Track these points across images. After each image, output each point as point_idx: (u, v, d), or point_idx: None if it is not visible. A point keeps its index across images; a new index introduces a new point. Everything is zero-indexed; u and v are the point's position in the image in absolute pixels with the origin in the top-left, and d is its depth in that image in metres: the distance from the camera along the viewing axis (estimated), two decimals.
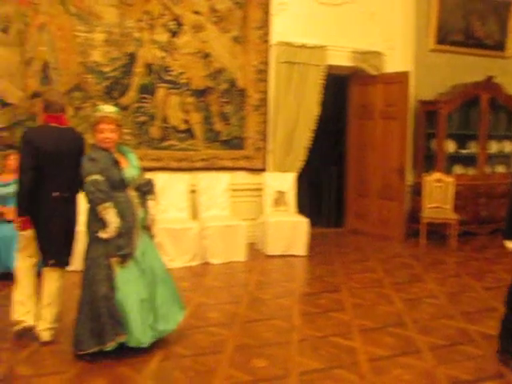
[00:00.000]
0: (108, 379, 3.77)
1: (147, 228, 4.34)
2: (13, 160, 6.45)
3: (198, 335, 4.58)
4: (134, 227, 4.15)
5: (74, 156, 4.38)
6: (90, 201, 4.04)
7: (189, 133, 7.65)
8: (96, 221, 4.05)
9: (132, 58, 7.35)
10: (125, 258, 4.09)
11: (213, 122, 7.77)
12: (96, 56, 7.20)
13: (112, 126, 4.17)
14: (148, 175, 6.86)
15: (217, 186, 7.56)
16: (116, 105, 7.12)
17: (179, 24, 7.54)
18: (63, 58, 7.07)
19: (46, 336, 4.42)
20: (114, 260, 4.06)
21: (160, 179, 7.20)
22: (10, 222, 6.15)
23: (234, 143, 7.92)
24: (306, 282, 6.55)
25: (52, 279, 4.44)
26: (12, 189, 6.29)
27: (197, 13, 7.61)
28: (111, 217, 4.00)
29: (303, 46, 8.08)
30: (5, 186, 6.43)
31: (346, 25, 8.45)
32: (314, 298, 5.70)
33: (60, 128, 4.47)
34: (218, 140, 7.83)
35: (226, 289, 6.03)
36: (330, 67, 8.34)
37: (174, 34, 7.52)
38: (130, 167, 4.24)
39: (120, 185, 4.12)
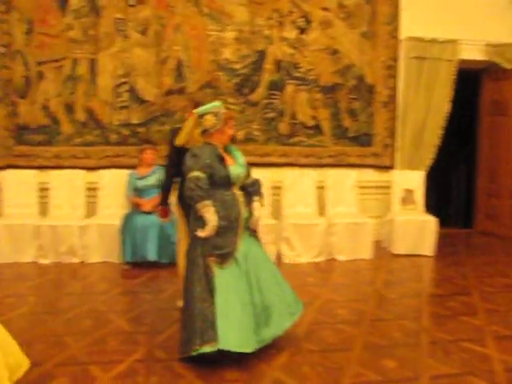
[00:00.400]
0: (240, 370, 3.86)
1: (251, 229, 4.22)
2: (149, 154, 6.80)
3: (326, 331, 4.59)
4: (237, 227, 4.03)
5: None
6: (189, 198, 3.94)
7: (317, 129, 7.68)
8: (195, 219, 4.00)
9: (262, 55, 7.49)
10: (223, 258, 3.95)
11: (341, 119, 7.74)
12: (227, 54, 7.42)
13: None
14: (276, 171, 7.00)
15: (344, 183, 7.53)
16: (246, 101, 7.36)
17: (308, 21, 7.57)
18: (196, 57, 7.35)
19: None
20: (211, 260, 3.94)
21: (288, 175, 7.35)
22: (146, 213, 6.48)
23: (362, 140, 7.84)
24: (434, 283, 6.37)
25: None
26: (148, 181, 6.67)
27: (325, 9, 7.61)
28: (210, 215, 3.87)
29: (434, 41, 7.83)
30: (141, 178, 6.77)
31: (479, 16, 8.02)
32: (443, 300, 5.52)
33: None
34: (346, 136, 7.79)
35: (352, 286, 6.01)
36: (461, 62, 8.01)
37: (303, 30, 7.57)
38: (236, 165, 4.15)
39: (225, 182, 4.02)
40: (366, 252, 7.01)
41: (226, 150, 4.22)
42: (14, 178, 7.19)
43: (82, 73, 7.26)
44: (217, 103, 4.22)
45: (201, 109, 4.13)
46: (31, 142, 7.31)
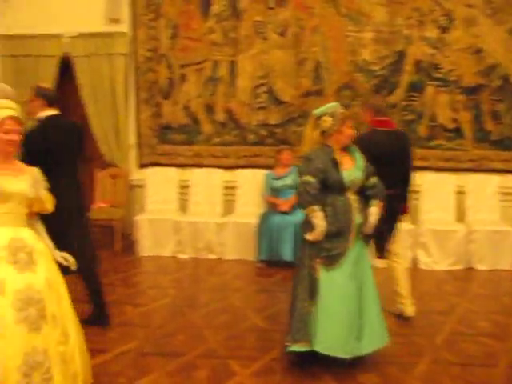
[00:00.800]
0: (377, 375, 3.83)
1: (364, 235, 4.05)
2: (286, 155, 6.89)
3: (467, 343, 4.40)
4: (346, 232, 3.89)
5: (404, 156, 4.77)
6: (299, 202, 4.01)
7: (457, 132, 7.34)
8: (306, 222, 3.96)
9: (401, 55, 7.30)
10: (331, 259, 3.87)
11: (483, 121, 7.35)
12: (365, 55, 7.31)
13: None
14: (414, 174, 6.74)
15: (485, 189, 7.15)
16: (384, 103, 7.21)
17: (450, 19, 7.28)
18: (334, 58, 7.33)
19: (410, 311, 4.81)
20: (318, 262, 3.88)
21: (426, 179, 7.15)
22: (283, 212, 6.58)
23: (506, 144, 7.36)
24: None
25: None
26: (285, 182, 6.78)
27: (469, 6, 7.26)
28: (318, 220, 3.81)
29: None
30: (278, 179, 6.88)
31: None
32: None
33: (388, 131, 4.76)
34: (488, 140, 7.35)
35: (493, 297, 5.71)
36: None
37: (445, 29, 7.29)
38: (354, 169, 4.00)
39: (338, 187, 3.91)
40: (508, 262, 6.62)
41: (347, 150, 4.10)
42: (156, 175, 7.61)
43: (222, 74, 7.51)
44: (333, 104, 4.15)
45: (317, 110, 4.07)
46: (173, 141, 7.69)
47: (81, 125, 5.12)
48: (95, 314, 4.65)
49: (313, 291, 3.86)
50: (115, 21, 7.69)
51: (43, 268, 3.08)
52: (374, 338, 3.95)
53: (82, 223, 4.67)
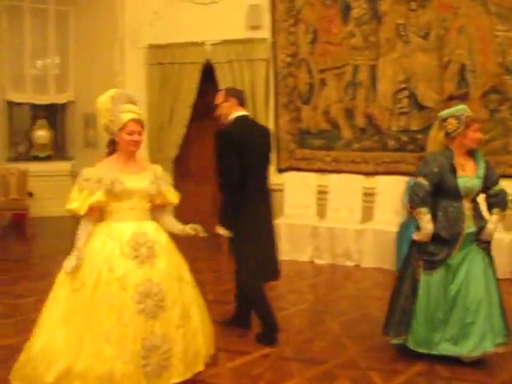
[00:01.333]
0: None
1: (482, 241, 4.03)
2: None
3: None
4: (455, 240, 3.92)
5: None
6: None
7: None
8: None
9: None
10: (431, 264, 3.98)
11: None
12: None
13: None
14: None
15: None
16: None
17: None
18: (480, 60, 6.97)
19: None
20: (419, 264, 4.01)
21: None
22: None
23: None
24: None
25: None
26: None
27: None
28: (424, 223, 3.93)
29: None
30: None
31: None
32: None
33: None
34: None
35: None
36: None
37: None
38: (473, 176, 3.98)
39: (453, 193, 3.94)
40: None
41: (473, 155, 4.07)
42: (294, 180, 7.70)
43: (363, 79, 7.43)
44: (462, 106, 4.15)
45: (444, 112, 4.13)
46: (312, 146, 7.74)
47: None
48: (238, 318, 4.78)
49: (414, 290, 4.04)
50: (256, 27, 7.87)
51: (163, 260, 3.35)
52: (481, 341, 3.94)
53: (270, 231, 4.66)
